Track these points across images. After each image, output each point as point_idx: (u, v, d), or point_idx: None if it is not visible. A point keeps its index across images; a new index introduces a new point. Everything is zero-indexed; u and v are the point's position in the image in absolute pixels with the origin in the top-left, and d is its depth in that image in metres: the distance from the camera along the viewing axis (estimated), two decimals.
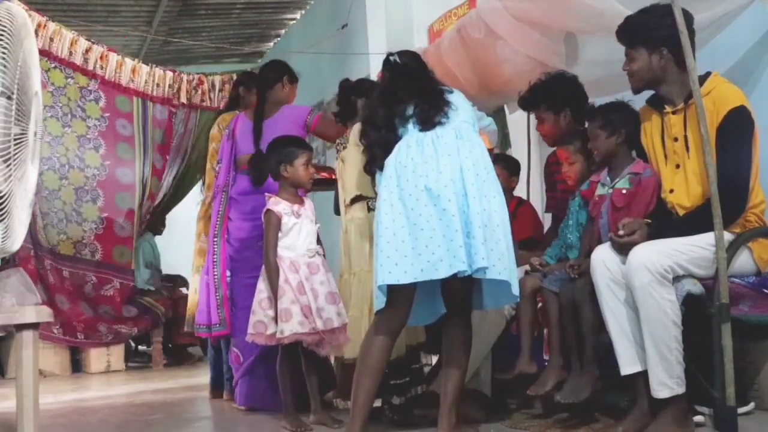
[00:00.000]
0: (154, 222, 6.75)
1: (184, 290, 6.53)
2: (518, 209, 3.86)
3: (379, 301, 2.69)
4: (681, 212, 2.80)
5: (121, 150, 5.86)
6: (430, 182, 2.65)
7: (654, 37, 2.80)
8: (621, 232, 2.71)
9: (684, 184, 2.80)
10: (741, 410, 2.72)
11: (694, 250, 2.65)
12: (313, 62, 7.66)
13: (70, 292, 5.92)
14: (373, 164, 2.92)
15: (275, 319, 3.24)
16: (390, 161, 2.76)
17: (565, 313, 2.95)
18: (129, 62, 5.72)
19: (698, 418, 2.72)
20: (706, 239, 2.65)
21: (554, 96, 3.42)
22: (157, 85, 5.70)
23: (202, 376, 5.05)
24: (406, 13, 6.51)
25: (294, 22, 9.21)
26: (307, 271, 3.29)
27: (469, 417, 3.02)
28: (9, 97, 2.56)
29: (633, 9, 2.91)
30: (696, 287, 2.67)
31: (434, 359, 3.64)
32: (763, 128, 2.81)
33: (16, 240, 2.67)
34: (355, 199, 3.43)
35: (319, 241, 3.46)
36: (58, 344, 6.04)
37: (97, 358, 6.22)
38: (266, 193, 3.43)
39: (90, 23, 7.38)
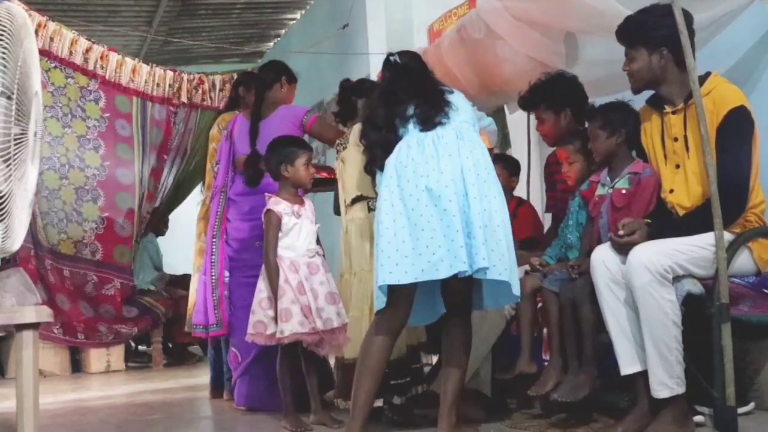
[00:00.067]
0: (157, 223, 6.76)
1: (182, 290, 6.53)
2: (518, 209, 3.86)
3: (380, 301, 2.69)
4: (681, 212, 2.80)
5: (121, 150, 5.85)
6: (431, 182, 2.65)
7: (654, 37, 2.80)
8: (621, 232, 2.71)
9: (684, 184, 2.80)
10: (741, 410, 2.72)
11: (694, 250, 2.65)
12: (313, 62, 7.66)
13: (71, 292, 5.92)
14: (374, 164, 2.93)
15: (275, 319, 3.24)
16: (390, 161, 2.76)
17: (565, 313, 2.95)
18: (129, 62, 5.71)
19: (698, 418, 2.72)
20: (706, 239, 2.65)
21: (554, 96, 3.42)
22: (158, 84, 5.68)
23: (202, 376, 5.05)
24: (406, 13, 6.51)
25: (294, 22, 9.22)
26: (306, 271, 3.29)
27: (469, 417, 3.02)
28: (9, 97, 2.56)
29: (633, 9, 2.91)
30: (696, 287, 2.67)
31: (434, 359, 3.63)
32: (763, 128, 2.81)
33: (16, 240, 2.67)
34: (356, 200, 3.43)
35: (318, 242, 3.46)
36: (58, 344, 6.04)
37: (97, 358, 6.22)
38: (266, 193, 3.43)
39: (90, 23, 7.38)
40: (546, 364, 3.12)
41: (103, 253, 5.95)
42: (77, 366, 6.29)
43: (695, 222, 2.71)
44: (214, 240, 4.09)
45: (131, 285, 6.19)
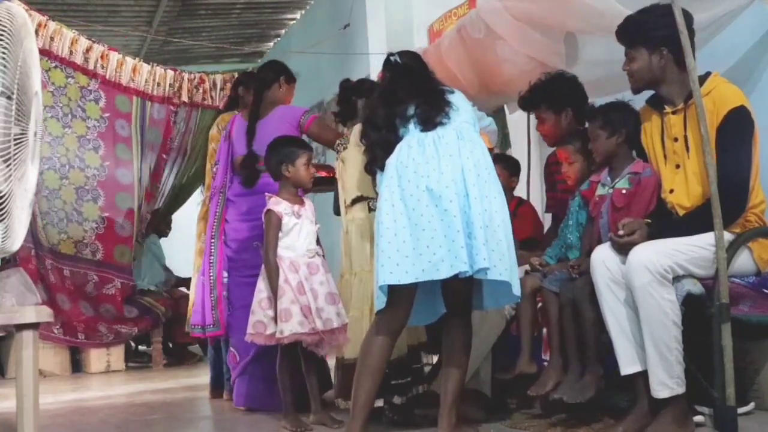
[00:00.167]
0: (159, 224, 6.76)
1: (184, 290, 6.54)
2: (518, 209, 3.86)
3: (380, 301, 2.69)
4: (681, 212, 2.80)
5: (120, 151, 5.85)
6: (432, 183, 2.65)
7: (654, 37, 2.80)
8: (621, 232, 2.71)
9: (684, 184, 2.80)
10: (741, 410, 2.72)
11: (694, 250, 2.65)
12: (313, 62, 7.66)
13: (71, 292, 5.92)
14: (374, 164, 2.92)
15: (275, 319, 3.24)
16: (391, 161, 2.76)
17: (565, 313, 2.95)
18: (130, 61, 5.70)
19: (698, 418, 2.72)
20: (706, 239, 2.65)
21: (555, 96, 3.42)
22: (158, 84, 5.68)
23: (202, 376, 5.04)
24: (406, 13, 6.51)
25: (294, 22, 9.22)
26: (306, 271, 3.29)
27: (469, 417, 3.02)
28: (9, 97, 2.56)
29: (633, 9, 2.91)
30: (696, 287, 2.67)
31: (435, 359, 3.63)
32: (763, 128, 2.81)
33: (16, 240, 2.67)
34: (356, 200, 3.43)
35: (318, 242, 3.46)
36: (58, 344, 6.04)
37: (97, 358, 6.22)
38: (266, 194, 3.43)
39: (90, 23, 7.38)
40: (546, 364, 3.12)
41: (103, 253, 5.95)
42: (77, 366, 6.29)
43: (695, 222, 2.71)
44: (212, 240, 4.10)
45: (131, 285, 6.20)
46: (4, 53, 2.53)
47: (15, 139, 2.59)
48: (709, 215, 2.63)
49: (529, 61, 3.83)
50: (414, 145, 2.74)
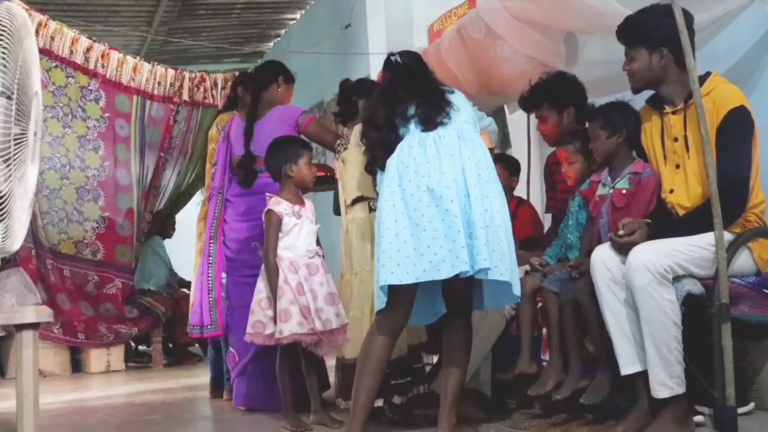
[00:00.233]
0: (164, 226, 6.76)
1: (185, 290, 6.54)
2: (518, 209, 3.86)
3: (381, 302, 2.69)
4: (681, 212, 2.80)
5: (119, 151, 5.86)
6: (433, 183, 2.65)
7: (654, 36, 2.80)
8: (621, 232, 2.71)
9: (684, 185, 2.80)
10: (741, 410, 2.72)
11: (694, 250, 2.65)
12: (313, 62, 7.66)
13: (71, 292, 5.93)
14: (375, 164, 2.92)
15: (274, 319, 3.24)
16: (392, 161, 2.76)
17: (565, 313, 2.95)
18: (130, 60, 5.71)
19: (698, 418, 2.72)
20: (706, 239, 2.65)
21: (558, 94, 3.41)
22: (159, 83, 5.68)
23: (202, 376, 5.04)
24: (406, 13, 6.51)
25: (294, 22, 9.22)
26: (306, 271, 3.29)
27: (469, 417, 3.02)
28: (9, 97, 2.56)
29: (633, 9, 2.91)
30: (696, 287, 2.67)
31: (435, 359, 3.63)
32: (763, 128, 2.81)
33: (16, 240, 2.67)
34: (357, 200, 3.43)
35: (318, 242, 3.46)
36: (58, 344, 6.04)
37: (97, 358, 6.22)
38: (267, 194, 3.42)
39: (90, 23, 7.38)
40: (546, 364, 3.12)
41: (104, 253, 5.97)
42: (77, 366, 6.29)
43: (695, 222, 2.71)
44: (211, 241, 4.10)
45: (131, 284, 6.21)
46: (4, 53, 2.53)
47: (15, 139, 2.59)
48: (709, 215, 2.63)
49: (529, 61, 3.83)
50: (415, 145, 2.74)
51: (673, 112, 2.85)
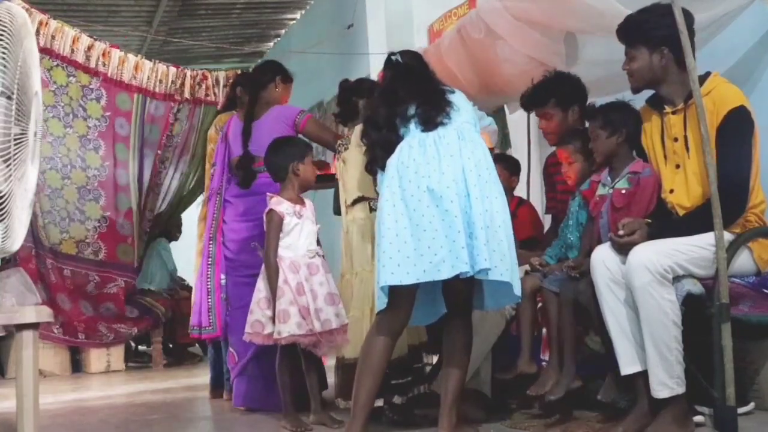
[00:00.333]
0: (170, 228, 6.76)
1: (187, 292, 6.55)
2: (518, 209, 3.86)
3: (381, 302, 2.68)
4: (681, 212, 2.80)
5: (118, 150, 5.86)
6: (433, 183, 2.64)
7: (655, 36, 2.80)
8: (621, 232, 2.71)
9: (684, 185, 2.80)
10: (741, 410, 2.72)
11: (694, 250, 2.65)
12: (313, 62, 7.66)
13: (71, 291, 5.93)
14: (375, 164, 2.92)
15: (272, 319, 3.24)
16: (392, 162, 2.76)
17: (563, 313, 2.94)
18: (132, 58, 5.70)
19: (698, 418, 2.72)
20: (706, 239, 2.65)
21: (564, 92, 3.41)
22: (160, 81, 5.67)
23: (202, 376, 5.04)
24: (406, 13, 6.51)
25: (294, 22, 9.22)
26: (306, 271, 3.29)
27: (469, 417, 3.02)
28: (9, 97, 2.56)
29: (633, 9, 2.91)
30: (696, 287, 2.67)
31: (435, 359, 3.63)
32: (763, 128, 2.81)
33: (17, 240, 2.67)
34: (357, 200, 3.43)
35: (318, 242, 3.46)
36: (58, 344, 6.04)
37: (97, 358, 6.22)
38: (267, 193, 3.42)
39: (90, 23, 7.38)
40: (546, 364, 3.12)
41: (106, 253, 5.97)
42: (77, 366, 6.29)
43: (695, 222, 2.71)
44: (210, 242, 4.10)
45: (133, 283, 6.21)
46: (4, 53, 2.53)
47: (15, 139, 2.59)
48: (709, 215, 2.63)
49: (529, 61, 3.83)
50: (415, 146, 2.74)
51: (673, 112, 2.85)
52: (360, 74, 5.31)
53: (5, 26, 2.55)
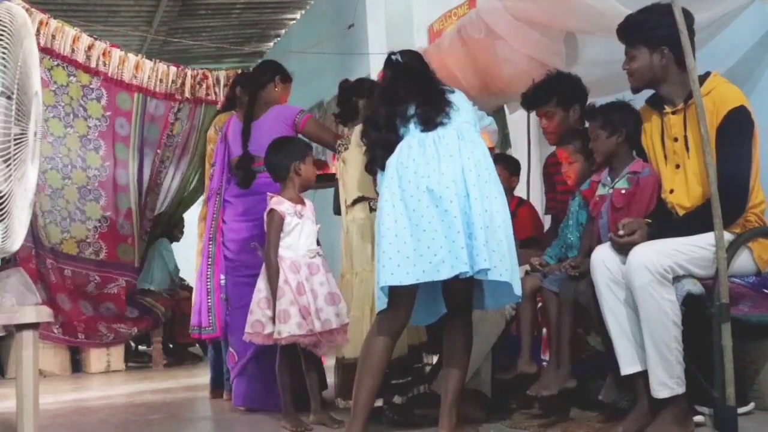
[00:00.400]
0: (172, 229, 6.76)
1: (185, 292, 6.56)
2: (518, 209, 3.86)
3: (381, 302, 2.68)
4: (681, 212, 2.80)
5: (119, 150, 5.86)
6: (432, 183, 2.64)
7: (655, 35, 2.80)
8: (621, 232, 2.71)
9: (684, 185, 2.80)
10: (741, 410, 2.72)
11: (694, 250, 2.65)
12: (313, 62, 7.66)
13: (71, 291, 5.93)
14: (375, 164, 2.92)
15: (273, 319, 3.24)
16: (391, 162, 2.75)
17: (562, 312, 2.94)
18: (132, 58, 5.70)
19: (698, 418, 2.72)
20: (706, 239, 2.65)
21: (566, 91, 3.41)
22: (161, 80, 5.68)
23: (202, 376, 5.04)
24: (406, 13, 6.51)
25: (294, 22, 9.22)
26: (307, 271, 3.29)
27: (469, 417, 3.02)
28: (9, 97, 2.56)
29: (633, 9, 2.91)
30: (696, 287, 2.67)
31: (435, 359, 3.64)
32: (763, 128, 2.81)
33: (16, 240, 2.67)
34: (357, 200, 3.43)
35: (318, 242, 3.46)
36: (58, 344, 6.04)
37: (97, 358, 6.22)
38: (268, 193, 3.42)
39: (90, 23, 7.38)
40: (546, 364, 3.12)
41: (107, 252, 5.97)
42: (77, 366, 6.29)
43: (695, 222, 2.71)
44: (210, 243, 4.10)
45: (134, 283, 6.21)
46: (4, 53, 2.53)
47: (15, 139, 2.59)
48: (709, 215, 2.63)
49: (529, 61, 3.83)
50: (414, 146, 2.74)
51: (673, 112, 2.85)
52: (360, 74, 5.31)
53: (5, 26, 2.55)
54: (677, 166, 2.83)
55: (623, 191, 2.88)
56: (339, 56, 7.32)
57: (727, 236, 2.68)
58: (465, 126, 2.79)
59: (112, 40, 6.25)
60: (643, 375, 2.63)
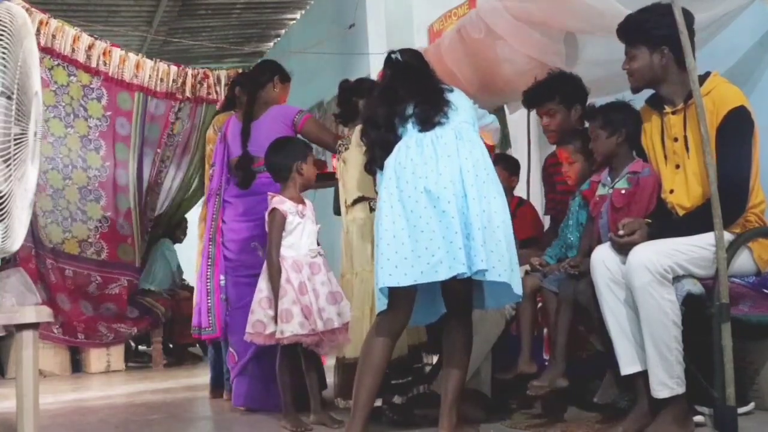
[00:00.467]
0: (174, 230, 6.75)
1: (186, 292, 6.56)
2: (518, 209, 3.86)
3: (381, 303, 2.69)
4: (681, 212, 2.80)
5: (119, 150, 5.86)
6: (430, 184, 2.64)
7: (655, 35, 2.80)
8: (621, 232, 2.71)
9: (684, 185, 2.80)
10: (741, 410, 2.72)
11: (694, 250, 2.65)
12: (313, 62, 7.66)
13: (72, 291, 5.93)
14: (374, 164, 2.92)
15: (274, 318, 3.24)
16: (390, 162, 2.75)
17: (560, 311, 2.94)
18: (133, 57, 5.70)
19: (698, 418, 2.72)
20: (706, 239, 2.65)
21: (569, 90, 3.41)
22: (161, 80, 5.68)
23: (202, 376, 5.05)
24: (406, 13, 6.51)
25: (294, 22, 9.22)
26: (309, 271, 3.29)
27: (469, 417, 3.02)
28: (9, 97, 2.56)
29: (633, 9, 2.91)
30: (696, 287, 2.67)
31: (435, 359, 3.64)
32: (763, 128, 2.81)
33: (16, 240, 2.67)
34: (357, 200, 3.43)
35: (317, 242, 3.46)
36: (58, 344, 6.05)
37: (97, 358, 6.23)
38: (269, 193, 3.42)
39: (90, 23, 7.38)
40: (546, 364, 3.12)
41: (108, 252, 5.98)
42: (77, 366, 6.29)
43: (695, 222, 2.71)
44: (210, 243, 4.10)
45: (136, 283, 6.21)
46: (4, 53, 2.53)
47: (15, 139, 2.59)
48: (709, 215, 2.63)
49: (529, 61, 3.83)
50: (412, 146, 2.73)
51: (673, 112, 2.85)
52: (360, 74, 5.31)
53: (5, 26, 2.55)
54: (677, 166, 2.83)
55: (623, 191, 2.88)
56: (339, 56, 7.32)
57: (727, 236, 2.68)
58: (463, 126, 2.78)
59: (112, 40, 6.25)
60: (643, 375, 2.63)
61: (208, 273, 4.08)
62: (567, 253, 3.24)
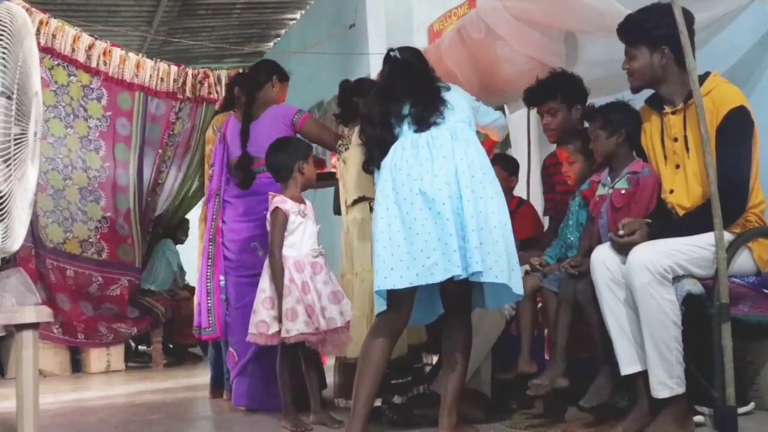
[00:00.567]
0: (174, 230, 6.75)
1: (188, 293, 6.56)
2: (518, 209, 3.86)
3: (380, 305, 2.69)
4: (681, 212, 2.80)
5: (119, 150, 5.85)
6: (425, 185, 2.63)
7: (655, 35, 2.80)
8: (621, 232, 2.70)
9: (684, 185, 2.80)
10: (741, 410, 2.72)
11: (694, 250, 2.65)
12: (313, 62, 7.66)
13: (72, 291, 5.92)
14: (371, 163, 2.91)
15: (277, 318, 3.24)
16: (385, 163, 2.75)
17: (560, 311, 2.94)
18: (133, 57, 5.70)
19: (698, 418, 2.72)
20: (706, 239, 2.65)
21: (571, 89, 3.41)
22: (161, 79, 5.67)
23: (202, 376, 5.05)
24: (406, 13, 6.51)
25: (294, 22, 9.22)
26: (311, 270, 3.29)
27: (469, 417, 3.02)
28: (9, 97, 2.56)
29: (633, 9, 2.91)
30: (696, 287, 2.67)
31: (435, 359, 3.64)
32: (763, 128, 2.81)
33: (17, 240, 2.67)
34: (357, 200, 3.43)
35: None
36: (58, 344, 6.05)
37: (97, 358, 6.23)
38: (270, 193, 3.42)
39: (90, 23, 7.38)
40: (546, 363, 3.12)
41: (108, 252, 5.97)
42: (77, 366, 6.30)
43: (695, 222, 2.71)
44: (210, 244, 4.10)
45: (137, 283, 6.21)
46: (4, 53, 2.53)
47: (15, 139, 2.59)
48: (709, 215, 2.63)
49: (529, 61, 3.82)
50: (407, 147, 2.73)
51: (673, 112, 2.85)
52: (360, 74, 5.32)
53: (5, 26, 2.55)
54: (677, 166, 2.83)
55: (623, 191, 2.88)
56: (339, 56, 7.32)
57: (727, 236, 2.68)
58: (459, 125, 2.78)
59: (112, 40, 6.24)
60: (643, 375, 2.63)
61: (208, 273, 4.09)
62: (567, 253, 3.24)
